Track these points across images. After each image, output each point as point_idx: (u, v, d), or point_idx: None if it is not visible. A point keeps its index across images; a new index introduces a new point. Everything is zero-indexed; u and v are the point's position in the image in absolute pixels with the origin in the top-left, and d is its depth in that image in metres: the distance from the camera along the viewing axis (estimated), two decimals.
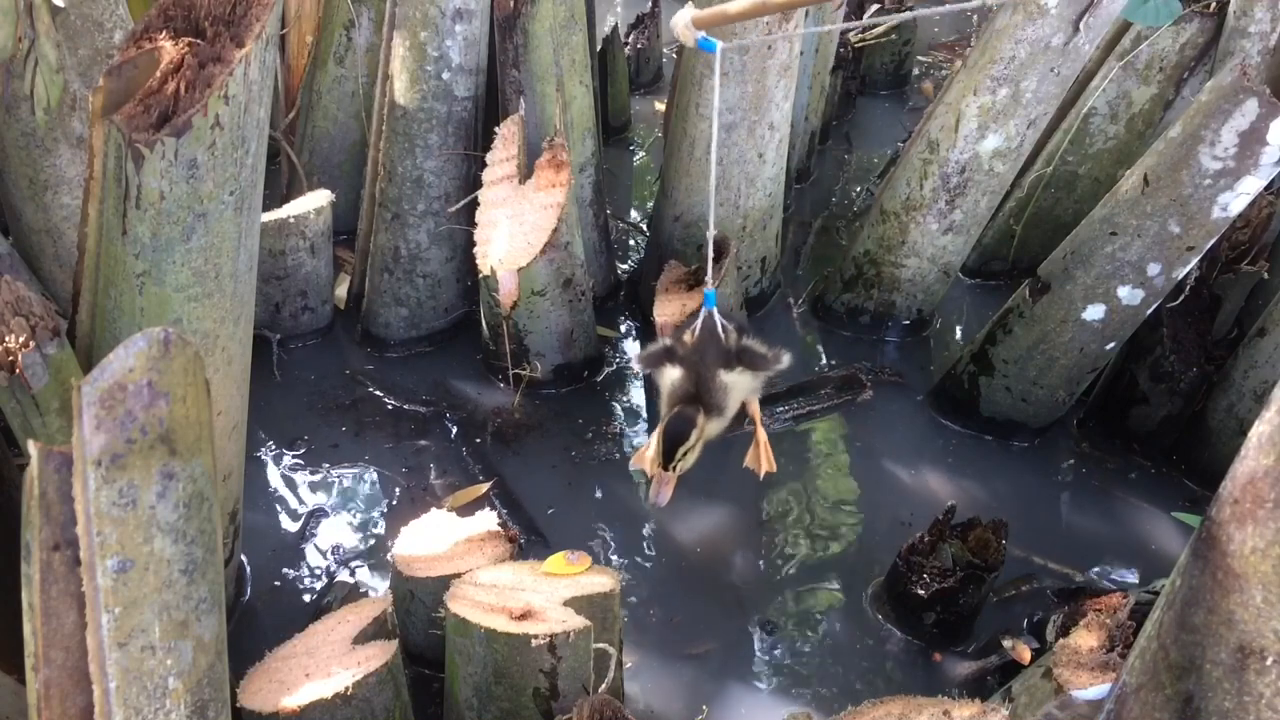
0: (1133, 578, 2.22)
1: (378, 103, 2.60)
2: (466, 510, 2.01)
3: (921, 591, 1.99)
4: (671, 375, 2.01)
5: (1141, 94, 2.82)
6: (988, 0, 1.68)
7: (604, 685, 1.59)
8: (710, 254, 1.99)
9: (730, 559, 2.23)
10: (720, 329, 1.99)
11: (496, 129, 2.49)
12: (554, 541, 2.20)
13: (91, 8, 2.15)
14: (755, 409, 2.16)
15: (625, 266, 3.19)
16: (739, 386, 2.03)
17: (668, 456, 1.88)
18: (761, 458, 2.15)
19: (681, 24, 1.67)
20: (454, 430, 2.51)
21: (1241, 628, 1.06)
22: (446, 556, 1.84)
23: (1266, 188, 2.20)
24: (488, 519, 1.94)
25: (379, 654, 1.57)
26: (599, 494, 2.37)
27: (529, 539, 2.20)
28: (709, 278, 1.98)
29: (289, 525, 2.26)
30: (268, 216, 2.47)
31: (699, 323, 1.99)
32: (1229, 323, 2.51)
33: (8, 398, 1.51)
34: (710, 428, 1.96)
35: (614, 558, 2.22)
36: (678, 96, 2.60)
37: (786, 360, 2.11)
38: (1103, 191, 2.31)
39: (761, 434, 2.16)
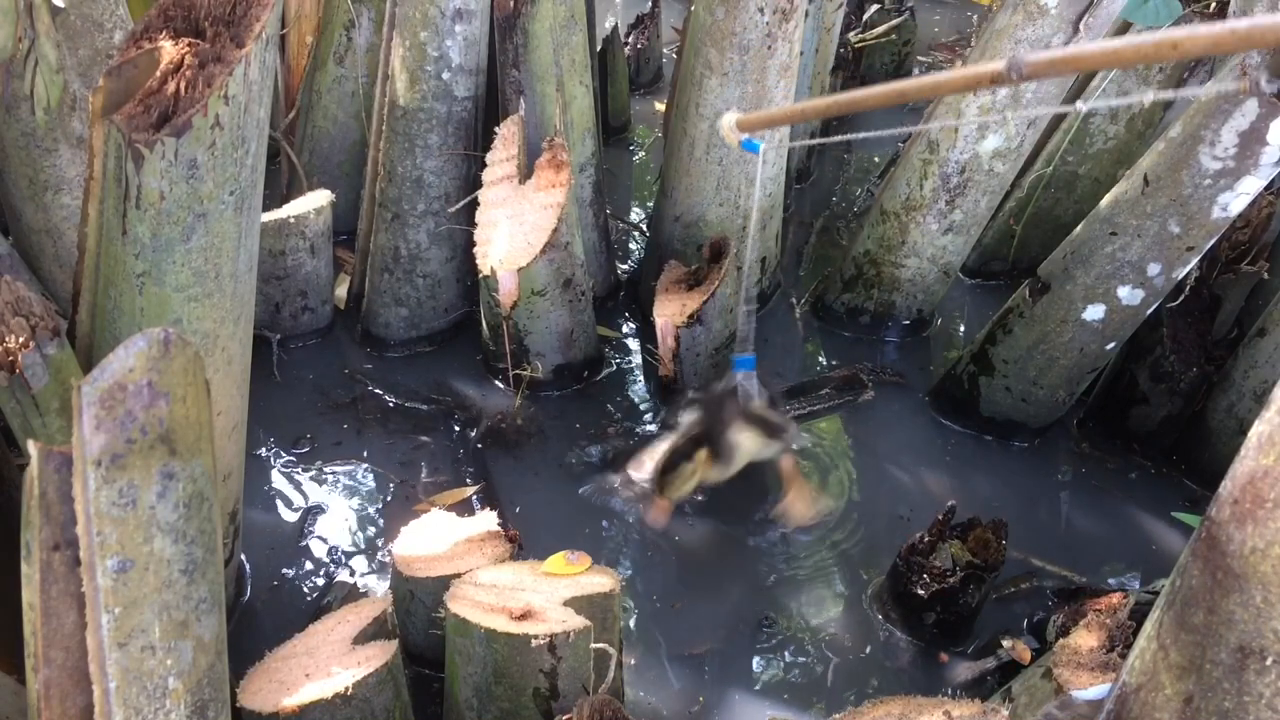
0: (1133, 578, 2.22)
1: (378, 103, 2.60)
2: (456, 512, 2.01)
3: (921, 591, 1.99)
4: (688, 416, 2.19)
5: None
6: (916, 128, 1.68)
7: (604, 685, 1.59)
8: (752, 328, 2.13)
9: (730, 559, 2.23)
10: (743, 393, 2.14)
11: (496, 129, 2.49)
12: (552, 541, 2.19)
13: (91, 8, 2.15)
14: (787, 467, 2.27)
15: (625, 266, 3.19)
16: (744, 448, 2.18)
17: (660, 485, 2.06)
18: (798, 508, 2.24)
19: (727, 126, 1.79)
20: (454, 430, 2.51)
21: (1241, 628, 1.06)
22: (446, 556, 1.84)
23: (1266, 188, 2.20)
24: (488, 519, 1.94)
25: (379, 654, 1.57)
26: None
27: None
28: (750, 345, 2.12)
29: (289, 525, 2.26)
30: (268, 216, 2.47)
31: (727, 381, 2.15)
32: (1229, 323, 2.51)
33: (8, 398, 1.51)
34: (710, 474, 2.12)
35: (613, 558, 2.22)
36: (678, 96, 2.60)
37: (794, 435, 2.26)
38: (1103, 191, 2.31)
39: (795, 489, 2.25)
